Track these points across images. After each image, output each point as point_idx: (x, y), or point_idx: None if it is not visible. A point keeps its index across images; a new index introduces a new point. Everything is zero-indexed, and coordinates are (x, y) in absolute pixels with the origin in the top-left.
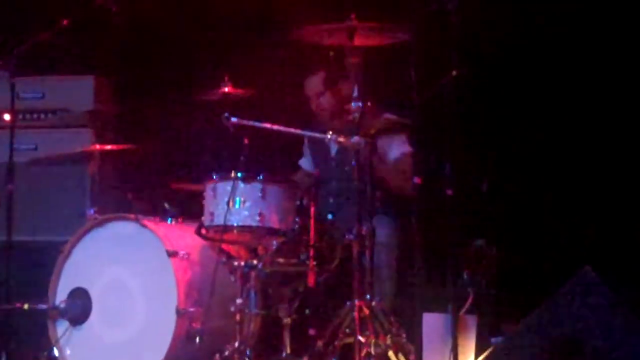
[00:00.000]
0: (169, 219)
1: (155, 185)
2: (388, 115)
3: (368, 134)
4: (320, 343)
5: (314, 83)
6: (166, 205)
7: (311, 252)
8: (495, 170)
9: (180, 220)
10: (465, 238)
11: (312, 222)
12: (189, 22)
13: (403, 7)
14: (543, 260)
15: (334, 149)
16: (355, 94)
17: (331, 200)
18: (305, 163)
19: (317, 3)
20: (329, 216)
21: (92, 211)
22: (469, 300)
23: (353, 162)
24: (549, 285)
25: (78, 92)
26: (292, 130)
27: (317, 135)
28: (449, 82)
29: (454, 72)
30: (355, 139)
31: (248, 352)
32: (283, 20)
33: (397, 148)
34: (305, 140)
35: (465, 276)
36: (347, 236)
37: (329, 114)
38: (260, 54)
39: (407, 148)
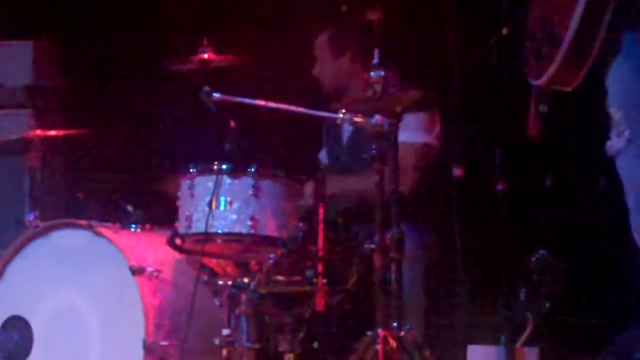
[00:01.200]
0: (133, 225)
1: (114, 182)
2: (416, 92)
3: (393, 113)
4: None
5: (319, 42)
6: (128, 207)
7: (320, 267)
8: (563, 160)
9: (147, 227)
10: (523, 248)
11: (320, 227)
12: None
13: None
14: (624, 277)
15: (346, 133)
16: (376, 60)
17: (346, 202)
18: (322, 154)
19: None
20: (343, 220)
21: (31, 216)
22: (528, 329)
23: (373, 150)
24: (631, 309)
25: (13, 62)
26: (293, 108)
27: (324, 114)
28: (498, 44)
29: (505, 30)
30: (377, 118)
31: None
32: None
33: (408, 133)
34: (324, 126)
35: (522, 297)
36: (366, 246)
37: (327, 87)
38: (250, 10)
39: (419, 136)
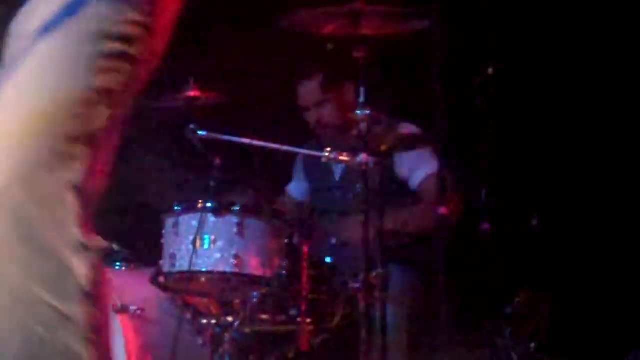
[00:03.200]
0: (118, 263)
1: (98, 220)
2: (405, 126)
3: (378, 151)
4: None
5: (310, 89)
6: (114, 245)
7: (304, 306)
8: (549, 199)
9: (132, 265)
10: (509, 287)
11: (304, 266)
12: None
13: None
14: (613, 315)
15: (338, 172)
16: (362, 99)
17: (331, 240)
18: (295, 189)
19: None
20: (328, 259)
21: None
22: None
23: (358, 188)
24: (620, 349)
25: None
26: (279, 147)
27: (311, 153)
28: (483, 83)
29: (490, 70)
30: (362, 157)
31: None
32: (267, 4)
33: (423, 168)
34: (298, 160)
35: (507, 337)
36: (350, 285)
37: (333, 128)
38: (237, 48)
39: (435, 166)
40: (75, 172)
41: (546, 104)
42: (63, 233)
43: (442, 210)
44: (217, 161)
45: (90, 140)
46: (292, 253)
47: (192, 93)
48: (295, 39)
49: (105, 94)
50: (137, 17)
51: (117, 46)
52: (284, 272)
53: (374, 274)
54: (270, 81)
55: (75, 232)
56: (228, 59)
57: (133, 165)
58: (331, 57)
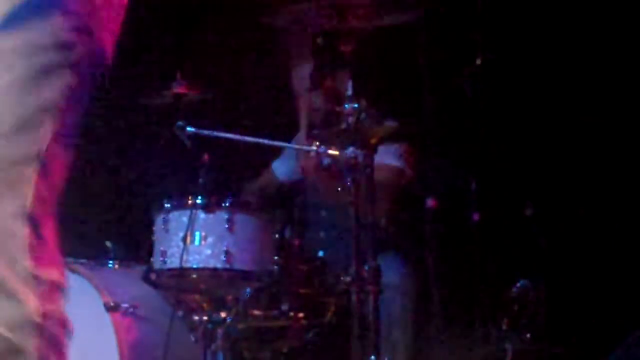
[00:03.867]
0: (110, 262)
1: (91, 217)
2: (390, 123)
3: (367, 144)
4: None
5: (303, 75)
6: (108, 243)
7: (296, 301)
8: (542, 187)
9: (124, 263)
10: (503, 276)
11: (296, 261)
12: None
13: None
14: (609, 304)
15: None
16: (350, 92)
17: (322, 234)
18: (279, 168)
19: None
20: (320, 253)
21: None
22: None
23: (348, 181)
24: (614, 339)
25: None
26: (267, 141)
27: (300, 147)
28: (471, 74)
29: (479, 60)
30: (351, 150)
31: None
32: None
33: (382, 156)
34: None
35: (503, 328)
36: (342, 279)
37: (322, 115)
38: (224, 43)
39: (397, 162)
40: (24, 198)
41: (536, 92)
42: (13, 266)
43: (431, 203)
44: (206, 157)
45: (36, 159)
46: (283, 248)
47: (179, 89)
48: (282, 33)
49: (47, 109)
50: (73, 22)
51: (52, 57)
52: (275, 267)
53: (365, 267)
54: (257, 76)
55: (26, 264)
56: (214, 54)
57: (123, 163)
58: (320, 50)
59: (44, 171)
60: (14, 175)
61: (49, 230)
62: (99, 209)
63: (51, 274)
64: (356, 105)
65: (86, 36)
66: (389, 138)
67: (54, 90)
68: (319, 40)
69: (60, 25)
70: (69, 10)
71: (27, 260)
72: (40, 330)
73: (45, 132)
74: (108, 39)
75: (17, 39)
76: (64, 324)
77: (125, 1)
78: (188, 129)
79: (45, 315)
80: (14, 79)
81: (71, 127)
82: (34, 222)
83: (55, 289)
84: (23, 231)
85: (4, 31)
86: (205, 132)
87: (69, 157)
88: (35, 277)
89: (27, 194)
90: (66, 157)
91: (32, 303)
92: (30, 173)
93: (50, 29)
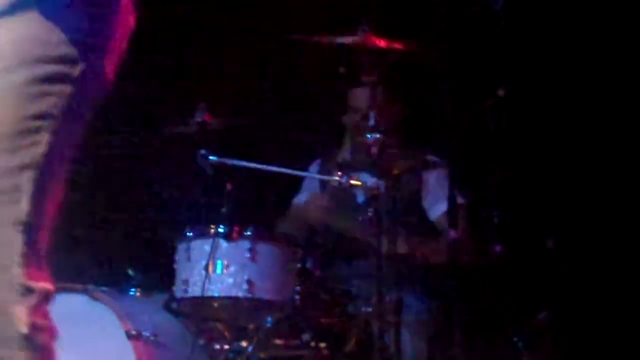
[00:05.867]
0: (132, 289)
1: (114, 244)
2: (431, 158)
3: (390, 175)
4: None
5: (364, 95)
6: (130, 271)
7: (317, 331)
8: (564, 220)
9: (146, 291)
10: (525, 309)
11: (317, 291)
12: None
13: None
14: (633, 335)
15: (361, 195)
16: (372, 122)
17: (343, 264)
18: (301, 200)
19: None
20: (341, 284)
21: None
22: None
23: (369, 212)
24: None
25: None
26: (290, 171)
27: (321, 177)
28: (495, 104)
29: (501, 92)
30: (373, 181)
31: None
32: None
33: (442, 203)
34: (312, 171)
35: (524, 358)
36: (364, 309)
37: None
38: (247, 71)
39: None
40: (20, 206)
41: (559, 124)
42: (4, 275)
43: (453, 234)
44: (229, 186)
45: (33, 168)
46: (305, 277)
47: (203, 118)
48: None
49: (44, 119)
50: (78, 36)
51: (54, 69)
52: (297, 296)
53: (387, 298)
54: (280, 105)
55: (18, 274)
56: (238, 82)
57: (145, 191)
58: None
59: (40, 181)
60: (10, 182)
61: (42, 241)
62: (121, 236)
63: (42, 283)
64: (377, 136)
65: (91, 53)
66: (413, 169)
67: (52, 101)
68: (342, 69)
69: (65, 38)
70: (77, 26)
71: (19, 270)
72: (29, 342)
73: (41, 142)
74: (112, 60)
75: (21, 44)
76: (52, 334)
77: (132, 25)
78: (211, 157)
79: (34, 327)
80: (13, 85)
81: (68, 142)
82: (28, 231)
83: (45, 299)
84: (17, 239)
85: (7, 18)
86: (229, 161)
87: (66, 173)
88: (26, 287)
89: (22, 202)
90: (63, 172)
91: (22, 316)
92: (26, 181)
93: (55, 40)
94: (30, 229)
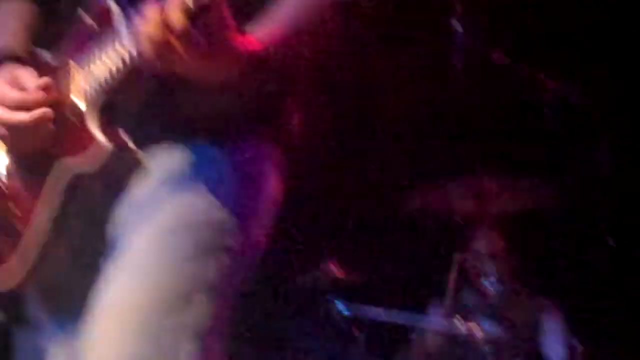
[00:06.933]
0: None
1: None
2: (546, 302)
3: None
4: None
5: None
6: None
7: None
8: None
9: None
10: None
11: None
12: None
13: None
14: None
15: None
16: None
17: None
18: None
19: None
20: None
21: None
22: None
23: None
24: None
25: None
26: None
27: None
28: None
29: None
30: (487, 325)
31: None
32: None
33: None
34: None
35: None
36: None
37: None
38: (369, 227)
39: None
40: None
41: None
42: None
43: None
44: (359, 335)
45: (194, 339)
46: None
47: (332, 270)
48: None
49: (204, 285)
50: (233, 207)
51: (215, 235)
52: None
53: None
54: (405, 257)
55: None
56: (363, 236)
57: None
58: None
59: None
60: (172, 347)
61: None
62: None
63: None
64: (501, 289)
65: (244, 224)
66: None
67: (212, 270)
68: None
69: (222, 207)
70: (231, 199)
71: None
72: None
73: (203, 311)
74: (262, 229)
75: (181, 207)
76: None
77: (280, 197)
78: (344, 311)
79: None
80: (179, 253)
81: (225, 315)
82: None
83: None
84: None
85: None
86: (360, 311)
87: (223, 348)
88: None
89: None
90: (221, 348)
91: None
92: (188, 352)
93: (213, 210)
94: None
